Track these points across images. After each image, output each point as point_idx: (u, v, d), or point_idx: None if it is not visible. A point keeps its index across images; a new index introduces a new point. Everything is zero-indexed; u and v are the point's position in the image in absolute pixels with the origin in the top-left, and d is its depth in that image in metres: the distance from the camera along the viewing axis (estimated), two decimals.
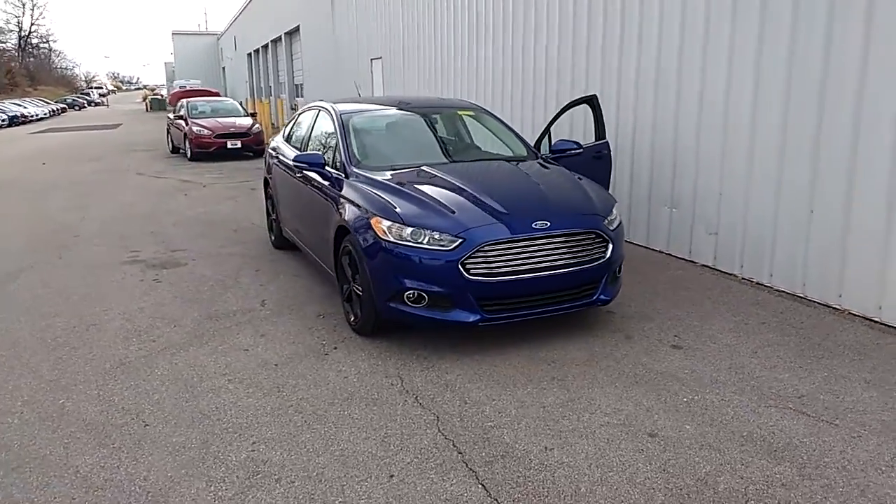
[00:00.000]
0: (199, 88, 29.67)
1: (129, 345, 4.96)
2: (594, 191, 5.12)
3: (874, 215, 4.98)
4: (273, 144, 7.77)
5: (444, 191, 4.84)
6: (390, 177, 5.13)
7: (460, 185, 4.92)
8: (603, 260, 4.70)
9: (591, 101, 6.99)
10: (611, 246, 4.74)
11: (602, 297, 4.79)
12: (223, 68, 56.95)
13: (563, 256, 4.54)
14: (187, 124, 18.11)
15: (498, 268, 4.40)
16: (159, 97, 66.41)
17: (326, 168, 5.56)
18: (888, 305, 4.96)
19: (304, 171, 5.91)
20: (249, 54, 40.66)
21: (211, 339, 5.05)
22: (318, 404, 3.99)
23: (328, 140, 6.09)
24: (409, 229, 4.46)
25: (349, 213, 4.97)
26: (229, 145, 17.68)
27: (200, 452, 3.50)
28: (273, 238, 7.75)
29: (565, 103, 7.37)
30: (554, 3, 8.61)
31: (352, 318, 5.09)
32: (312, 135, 6.45)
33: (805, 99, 5.41)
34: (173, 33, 62.03)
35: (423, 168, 5.33)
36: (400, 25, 14.37)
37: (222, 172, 15.25)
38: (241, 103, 20.70)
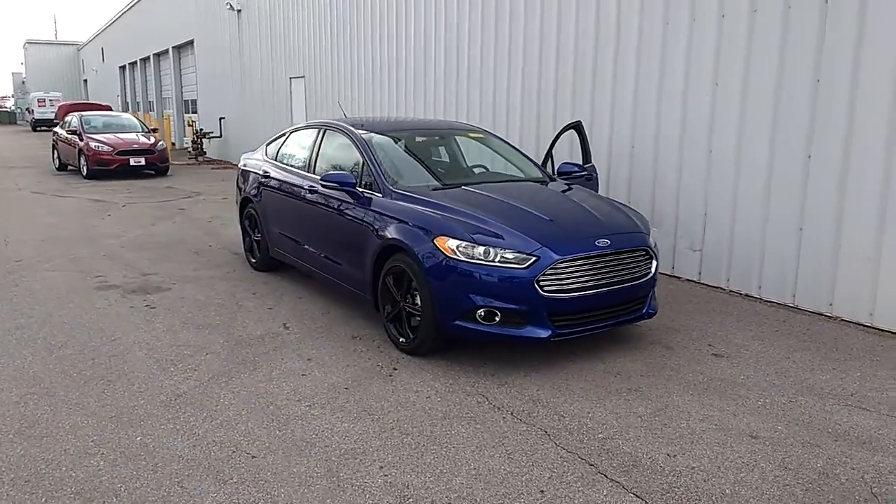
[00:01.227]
0: (88, 102, 27.62)
1: (170, 375, 4.65)
2: (630, 211, 5.41)
3: (864, 232, 5.58)
4: (251, 163, 7.51)
5: (499, 210, 4.94)
6: (436, 196, 5.16)
7: (512, 205, 5.04)
8: (649, 276, 4.98)
9: (578, 127, 7.34)
10: (654, 262, 5.03)
11: (649, 310, 5.06)
12: (85, 80, 53.37)
13: (620, 273, 4.77)
14: (82, 140, 16.96)
15: (567, 284, 4.56)
16: (8, 110, 61.25)
17: (357, 188, 5.49)
18: (879, 312, 5.57)
19: (326, 192, 5.79)
20: (122, 67, 38.43)
21: (256, 365, 4.83)
22: (420, 425, 3.95)
23: (344, 160, 6.01)
24: (481, 248, 4.53)
25: (399, 232, 4.94)
26: (132, 163, 16.75)
27: (333, 481, 3.38)
28: (254, 260, 7.46)
29: (560, 128, 7.67)
30: (518, 31, 8.95)
31: (401, 340, 5.04)
32: (321, 154, 6.32)
33: (793, 121, 5.98)
34: (27, 42, 57.43)
35: (463, 188, 5.41)
36: (328, 43, 14.24)
37: (132, 191, 14.41)
38: (137, 117, 19.58)
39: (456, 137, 6.49)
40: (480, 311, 4.52)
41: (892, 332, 5.48)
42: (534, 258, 4.47)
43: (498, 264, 4.49)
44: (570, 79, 8.20)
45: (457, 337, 4.73)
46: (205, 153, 21.75)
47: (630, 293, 4.85)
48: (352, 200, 5.54)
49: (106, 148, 16.63)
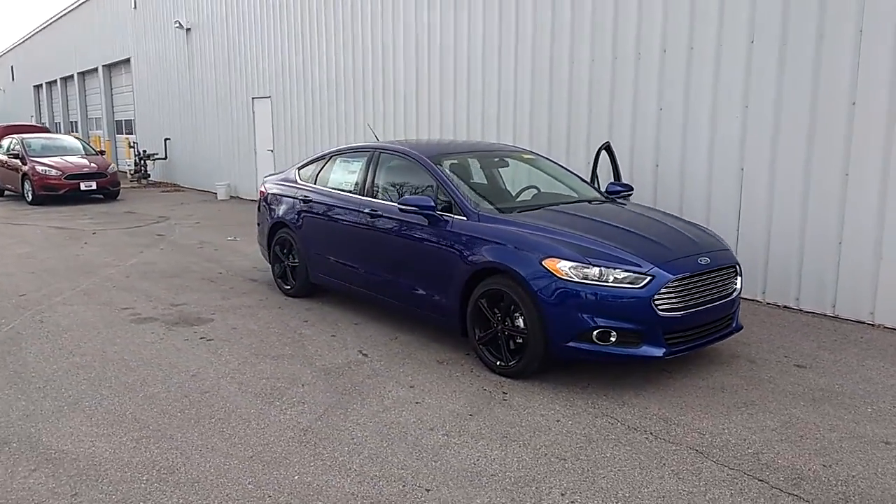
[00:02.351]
0: (26, 124, 26.01)
1: (280, 409, 4.45)
2: (707, 229, 5.59)
3: None
4: (281, 188, 7.30)
5: (599, 230, 5.02)
6: (527, 217, 5.19)
7: (609, 225, 5.14)
8: (737, 292, 5.15)
9: (608, 148, 7.54)
10: (739, 279, 5.21)
11: (737, 325, 5.23)
12: None
13: (717, 290, 4.92)
14: (26, 164, 16.00)
15: (676, 302, 4.66)
16: None
17: (437, 211, 5.44)
18: None
19: (394, 216, 5.72)
20: (38, 86, 36.51)
21: (362, 395, 4.70)
22: (571, 449, 3.94)
23: (406, 183, 5.97)
24: (595, 269, 4.58)
25: (497, 254, 4.92)
26: (83, 187, 15.91)
27: None
28: (288, 287, 7.23)
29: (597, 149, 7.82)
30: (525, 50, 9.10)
31: (498, 363, 5.01)
32: (377, 178, 6.23)
33: (829, 142, 6.33)
34: None
35: (547, 209, 5.45)
36: (300, 62, 14.01)
37: (92, 218, 13.71)
38: (81, 140, 18.56)
39: (513, 159, 6.52)
40: (596, 332, 4.56)
41: None
42: (648, 278, 4.56)
43: (613, 285, 4.55)
44: (585, 96, 8.40)
45: (567, 358, 4.75)
46: (148, 176, 20.90)
47: (725, 309, 5.01)
48: (428, 224, 5.48)
49: (54, 172, 15.75)
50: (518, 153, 6.68)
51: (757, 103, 6.85)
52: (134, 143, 22.50)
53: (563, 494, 3.48)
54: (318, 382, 4.92)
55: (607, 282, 4.56)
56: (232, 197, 17.06)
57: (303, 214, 6.88)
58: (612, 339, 4.58)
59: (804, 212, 6.62)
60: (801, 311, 6.71)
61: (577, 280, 4.58)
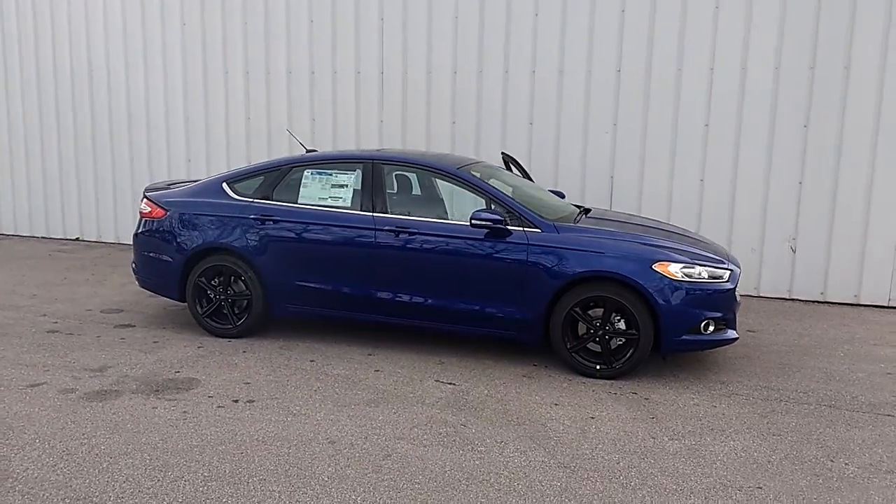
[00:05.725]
0: None
1: (502, 455, 3.99)
2: None
3: (750, 229, 7.85)
4: (206, 206, 5.96)
5: (661, 234, 5.63)
6: (597, 225, 5.57)
7: (659, 229, 5.80)
8: None
9: (503, 157, 8.00)
10: None
11: None
12: None
13: None
14: None
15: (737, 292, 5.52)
16: None
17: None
18: (796, 288, 7.87)
19: (435, 234, 5.46)
20: None
21: (527, 423, 4.45)
22: (769, 429, 4.45)
23: (428, 197, 5.70)
24: (698, 268, 5.17)
25: (597, 263, 5.12)
26: None
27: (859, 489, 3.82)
28: (231, 326, 5.95)
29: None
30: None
31: (598, 367, 5.22)
32: (388, 192, 5.69)
33: (689, 157, 7.92)
34: None
35: (592, 218, 5.82)
36: (29, 36, 10.82)
37: None
38: None
39: (497, 172, 6.45)
40: (706, 323, 5.15)
41: (803, 300, 7.83)
42: (729, 272, 5.32)
43: (710, 280, 5.19)
44: (448, 103, 8.71)
45: (675, 351, 5.25)
46: None
47: None
48: (491, 238, 5.32)
49: None
50: (487, 165, 6.68)
51: (625, 123, 8.10)
52: None
53: (832, 460, 4.04)
54: (469, 420, 4.47)
55: (706, 279, 5.18)
56: None
57: (263, 237, 5.78)
58: (711, 329, 5.22)
59: (668, 210, 8.08)
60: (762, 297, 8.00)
61: (686, 280, 5.10)
